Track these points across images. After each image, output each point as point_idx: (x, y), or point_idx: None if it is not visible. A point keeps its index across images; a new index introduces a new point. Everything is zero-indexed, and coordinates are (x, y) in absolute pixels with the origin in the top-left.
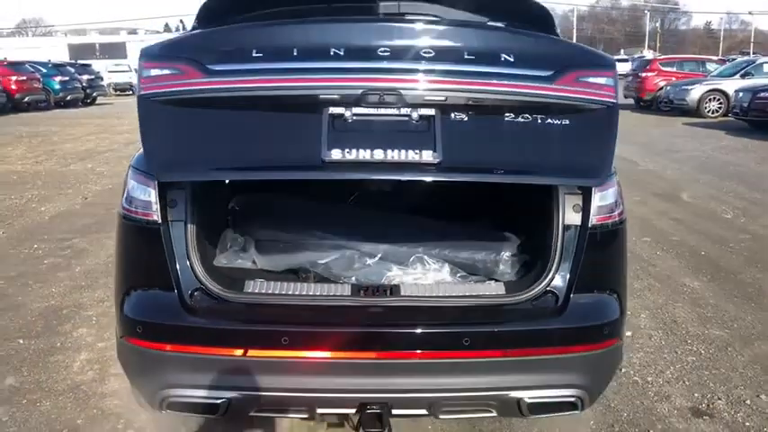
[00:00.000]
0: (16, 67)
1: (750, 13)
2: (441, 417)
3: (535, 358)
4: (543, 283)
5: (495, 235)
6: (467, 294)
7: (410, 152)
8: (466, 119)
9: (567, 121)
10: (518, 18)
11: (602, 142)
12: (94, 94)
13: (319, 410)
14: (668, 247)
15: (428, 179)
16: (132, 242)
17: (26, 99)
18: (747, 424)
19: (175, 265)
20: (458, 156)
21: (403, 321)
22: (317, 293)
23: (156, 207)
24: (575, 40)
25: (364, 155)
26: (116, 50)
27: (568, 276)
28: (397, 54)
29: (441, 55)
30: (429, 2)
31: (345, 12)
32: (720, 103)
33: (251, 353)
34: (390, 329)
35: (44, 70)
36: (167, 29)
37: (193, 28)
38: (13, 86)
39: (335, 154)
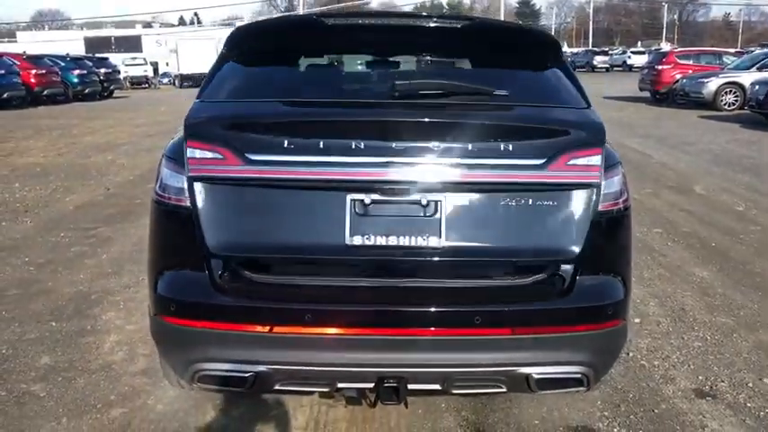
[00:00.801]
0: (35, 60)
1: None
2: (453, 392)
3: (543, 336)
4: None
5: None
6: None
7: (419, 238)
8: (468, 204)
9: (554, 202)
10: (527, 50)
11: (580, 222)
12: (112, 88)
13: (339, 385)
14: (679, 239)
15: (434, 261)
16: (165, 226)
17: (45, 92)
18: (749, 405)
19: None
20: (459, 240)
21: (418, 301)
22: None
23: (187, 194)
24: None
25: (380, 240)
26: (132, 44)
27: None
28: (410, 150)
29: (447, 151)
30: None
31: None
32: (737, 96)
33: (276, 329)
34: (406, 308)
35: (63, 64)
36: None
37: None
38: (33, 80)
39: (357, 240)
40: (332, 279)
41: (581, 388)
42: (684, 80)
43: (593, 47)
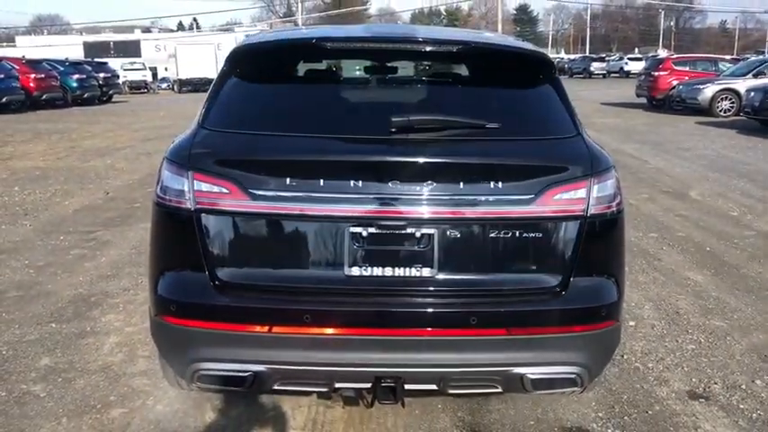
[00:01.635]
0: (34, 65)
1: (766, 12)
2: (449, 392)
3: (537, 337)
4: None
5: None
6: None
7: (412, 269)
8: (459, 236)
9: (542, 233)
10: (521, 73)
11: (568, 247)
12: (111, 92)
13: (337, 385)
14: (674, 243)
15: (428, 291)
16: (166, 228)
17: (44, 97)
18: (741, 406)
19: (207, 249)
20: (452, 271)
21: (414, 302)
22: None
23: (189, 195)
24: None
25: (377, 271)
26: (130, 48)
27: (568, 260)
28: (404, 188)
29: (439, 188)
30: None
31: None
32: (732, 103)
33: (275, 329)
34: (402, 309)
35: (62, 68)
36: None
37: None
38: (32, 84)
39: (355, 271)
40: (332, 305)
41: (575, 388)
42: (681, 86)
43: (590, 53)
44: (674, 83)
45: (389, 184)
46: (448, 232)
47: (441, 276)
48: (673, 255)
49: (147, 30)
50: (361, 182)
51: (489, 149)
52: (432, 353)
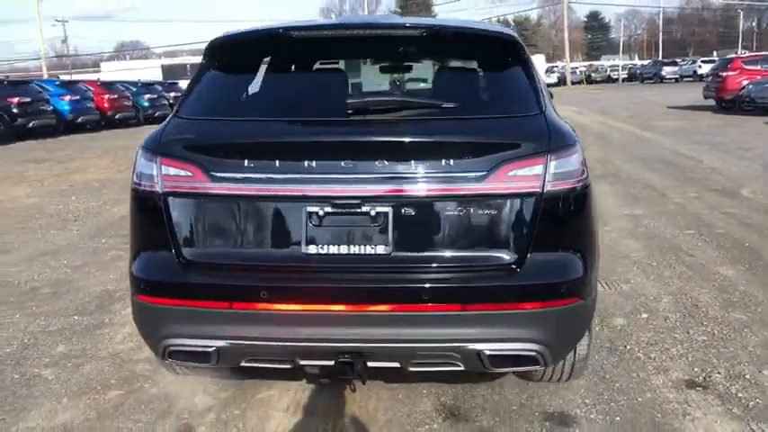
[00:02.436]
0: (108, 86)
1: None
2: (412, 369)
3: (492, 313)
4: None
5: None
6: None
7: (368, 246)
8: (414, 213)
9: (496, 210)
10: (484, 53)
11: (525, 228)
12: None
13: (301, 362)
14: (711, 239)
15: (384, 267)
16: (140, 212)
17: (117, 116)
18: (740, 395)
19: (174, 230)
20: (406, 247)
21: (369, 278)
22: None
23: (157, 180)
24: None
25: (334, 249)
26: None
27: (524, 237)
28: (358, 167)
29: (392, 166)
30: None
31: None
32: None
33: (235, 306)
34: (358, 285)
35: (134, 89)
36: None
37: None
38: (106, 105)
39: (312, 249)
40: (290, 281)
41: (537, 366)
42: (751, 86)
43: (664, 58)
44: (745, 82)
45: (342, 163)
46: (403, 210)
47: (396, 253)
48: (707, 251)
49: None
50: (315, 162)
51: (442, 128)
52: (387, 328)
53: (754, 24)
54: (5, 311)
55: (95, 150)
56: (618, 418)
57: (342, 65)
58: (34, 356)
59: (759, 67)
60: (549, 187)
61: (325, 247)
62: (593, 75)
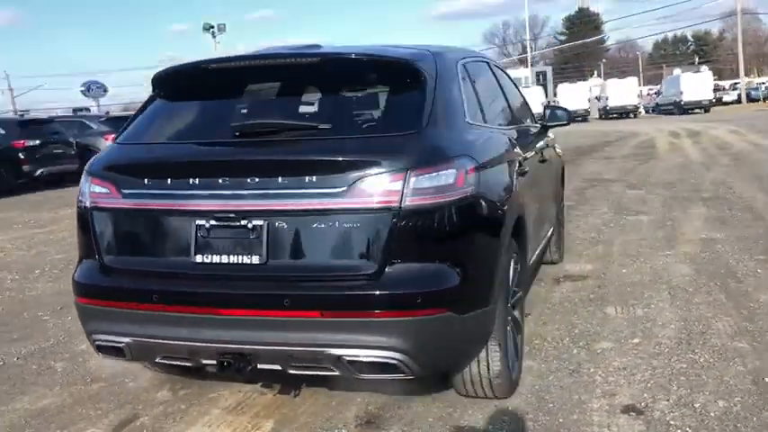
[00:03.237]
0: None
1: None
2: (291, 372)
3: (348, 320)
4: None
5: None
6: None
7: (245, 257)
8: (285, 226)
9: (357, 223)
10: (371, 79)
11: (382, 240)
12: None
13: (203, 361)
14: None
15: (257, 275)
16: (80, 225)
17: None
18: (673, 423)
19: (97, 239)
20: (280, 257)
21: (244, 285)
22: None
23: (87, 196)
24: None
25: (217, 259)
26: None
27: (382, 248)
28: (236, 184)
29: (264, 183)
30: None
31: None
32: None
33: (139, 307)
34: (235, 292)
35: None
36: None
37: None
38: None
39: (199, 258)
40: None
41: (400, 375)
42: None
43: None
44: None
45: (221, 180)
46: (276, 223)
47: (270, 262)
48: (763, 278)
49: None
50: (199, 180)
51: (311, 148)
52: (261, 332)
53: None
54: None
55: None
56: None
57: (242, 92)
58: (58, 351)
59: None
60: (407, 202)
61: (210, 256)
62: None
